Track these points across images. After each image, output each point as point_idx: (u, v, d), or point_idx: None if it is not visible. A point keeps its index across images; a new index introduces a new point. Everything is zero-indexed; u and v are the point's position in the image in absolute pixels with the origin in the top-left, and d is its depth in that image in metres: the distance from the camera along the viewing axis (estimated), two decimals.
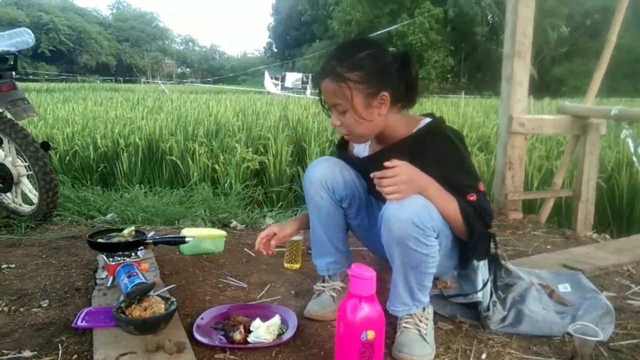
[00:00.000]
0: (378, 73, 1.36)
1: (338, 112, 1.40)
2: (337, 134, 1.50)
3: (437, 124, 1.47)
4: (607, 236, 3.00)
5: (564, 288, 1.81)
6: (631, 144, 3.00)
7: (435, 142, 1.40)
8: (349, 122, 1.40)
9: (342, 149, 1.69)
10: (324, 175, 1.54)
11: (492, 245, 1.52)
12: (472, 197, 1.36)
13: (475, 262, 1.78)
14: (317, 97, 1.48)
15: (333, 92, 1.37)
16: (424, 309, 1.45)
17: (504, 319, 1.58)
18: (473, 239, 1.38)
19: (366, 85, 1.35)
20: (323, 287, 1.67)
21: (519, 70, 3.09)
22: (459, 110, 12.12)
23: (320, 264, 1.67)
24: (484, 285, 1.63)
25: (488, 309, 1.58)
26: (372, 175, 1.32)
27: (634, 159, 3.18)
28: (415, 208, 1.30)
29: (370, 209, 1.62)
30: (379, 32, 26.45)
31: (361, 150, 1.63)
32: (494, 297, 1.63)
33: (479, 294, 1.61)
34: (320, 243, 1.64)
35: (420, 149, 1.40)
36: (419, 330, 1.40)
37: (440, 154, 1.39)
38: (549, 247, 2.59)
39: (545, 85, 25.24)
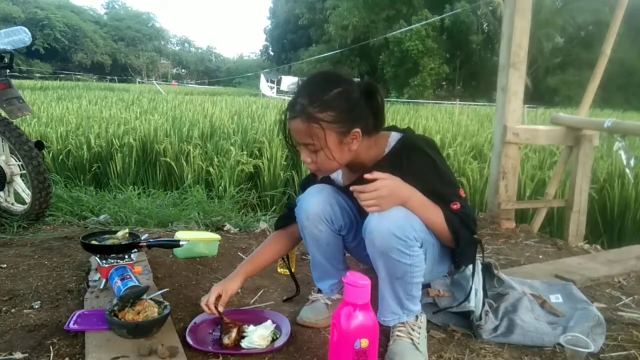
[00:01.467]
0: (349, 110, 1.34)
1: (309, 151, 1.38)
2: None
3: (408, 139, 1.46)
4: (599, 247, 3.03)
5: (555, 298, 1.83)
6: (623, 156, 3.02)
7: (410, 158, 1.40)
8: (320, 160, 1.38)
9: (312, 181, 1.64)
10: (321, 208, 1.50)
11: (478, 250, 1.52)
12: (456, 206, 1.37)
13: (468, 271, 1.79)
14: (283, 134, 1.45)
15: (305, 132, 1.34)
16: (416, 317, 1.46)
17: (496, 328, 1.59)
18: (459, 247, 1.40)
19: (339, 124, 1.33)
20: (319, 297, 1.67)
21: (514, 80, 3.12)
22: (453, 118, 12.19)
23: (324, 287, 1.67)
24: (476, 294, 1.64)
25: (480, 318, 1.59)
26: (351, 188, 1.33)
27: (626, 170, 3.22)
28: (396, 220, 1.30)
29: None
30: (375, 39, 26.54)
31: (334, 175, 1.60)
32: (486, 307, 1.64)
33: (471, 303, 1.62)
34: (322, 269, 1.64)
35: (397, 167, 1.38)
36: (412, 339, 1.41)
37: (418, 169, 1.39)
38: (540, 257, 2.61)
39: (538, 95, 25.42)
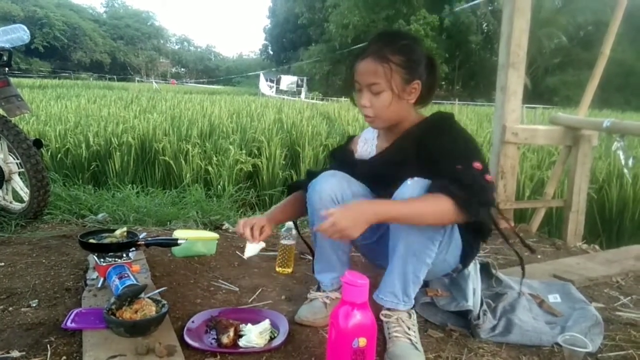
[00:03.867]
0: (416, 62, 1.44)
1: (371, 93, 1.44)
2: (331, 142, 1.50)
3: (444, 114, 1.54)
4: (597, 247, 3.03)
5: (553, 298, 1.83)
6: (622, 156, 3.02)
7: (436, 123, 1.48)
8: (379, 104, 1.44)
9: (340, 155, 1.69)
10: (334, 190, 1.52)
11: (499, 217, 1.47)
12: (459, 167, 1.33)
13: (466, 271, 1.80)
14: (346, 80, 1.54)
15: (374, 71, 1.41)
16: (409, 315, 1.47)
17: (494, 328, 1.59)
18: (469, 213, 1.29)
19: (406, 70, 1.42)
20: (317, 295, 1.67)
21: (513, 80, 3.11)
22: None
23: (325, 280, 1.66)
24: (475, 293, 1.64)
25: (478, 318, 1.59)
26: (315, 229, 1.36)
27: (625, 170, 3.22)
28: (426, 190, 1.33)
29: None
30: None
31: (366, 152, 1.63)
32: (484, 306, 1.64)
33: (470, 302, 1.62)
34: (326, 259, 1.63)
35: (423, 132, 1.46)
36: (410, 339, 1.41)
37: (440, 129, 1.45)
38: (539, 256, 2.61)
39: (537, 94, 25.44)
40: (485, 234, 1.52)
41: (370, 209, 1.27)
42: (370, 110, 1.46)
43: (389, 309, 1.46)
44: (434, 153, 1.39)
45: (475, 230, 1.47)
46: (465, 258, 1.56)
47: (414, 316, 1.49)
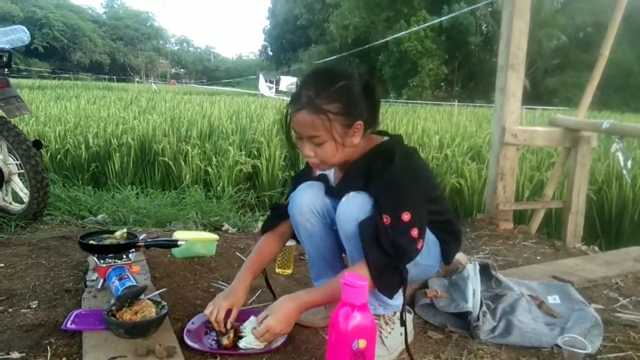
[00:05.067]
0: (353, 103, 1.35)
1: (313, 144, 1.37)
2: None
3: (389, 144, 1.45)
4: (596, 248, 3.04)
5: (553, 299, 1.83)
6: (621, 158, 3.03)
7: (377, 163, 1.39)
8: (323, 154, 1.38)
9: (304, 178, 1.64)
10: (312, 201, 1.51)
11: (402, 279, 1.36)
12: (386, 219, 1.30)
13: (465, 272, 1.80)
14: (283, 130, 1.45)
15: (311, 124, 1.33)
16: (395, 313, 1.47)
17: (493, 329, 1.59)
18: (372, 272, 1.31)
19: (344, 117, 1.34)
20: None
21: (512, 82, 3.12)
22: (452, 119, 12.20)
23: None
24: (474, 295, 1.64)
25: (478, 319, 1.59)
26: (254, 334, 1.39)
27: (624, 172, 3.22)
28: (360, 205, 1.34)
29: None
30: (378, 42, 26.48)
31: (328, 171, 1.59)
32: (484, 308, 1.65)
33: (469, 304, 1.62)
34: (319, 266, 1.63)
35: (369, 165, 1.40)
36: (380, 333, 1.43)
37: (377, 174, 1.37)
38: (538, 257, 2.61)
39: (537, 96, 25.46)
40: (458, 235, 1.55)
41: (295, 307, 1.36)
42: (315, 159, 1.41)
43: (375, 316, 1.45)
44: (371, 190, 1.36)
45: (448, 232, 1.49)
46: (447, 255, 1.54)
47: (399, 315, 1.47)
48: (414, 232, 1.32)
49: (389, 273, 1.33)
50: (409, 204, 1.32)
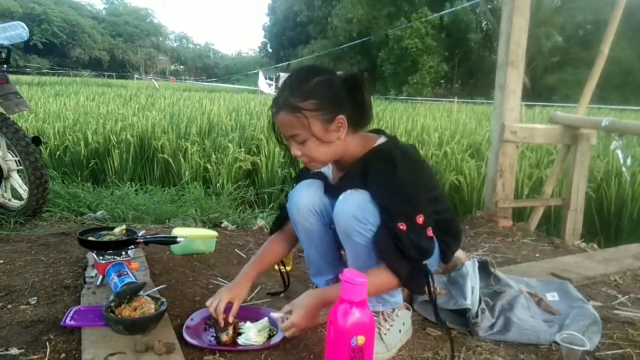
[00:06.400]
0: (331, 99, 1.34)
1: (297, 143, 1.38)
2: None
3: (385, 146, 1.44)
4: (595, 245, 3.04)
5: (551, 297, 1.83)
6: (620, 155, 3.03)
7: (374, 167, 1.38)
8: (310, 151, 1.38)
9: (305, 176, 1.63)
10: (311, 200, 1.51)
11: (430, 281, 1.42)
12: (402, 227, 1.30)
13: (464, 269, 1.80)
14: (273, 133, 1.47)
15: (290, 123, 1.35)
16: (394, 309, 1.47)
17: (492, 326, 1.60)
18: (403, 280, 1.34)
19: (322, 112, 1.33)
20: None
21: (512, 79, 3.12)
22: (451, 116, 12.20)
23: (320, 283, 1.67)
24: (473, 292, 1.64)
25: (476, 316, 1.60)
26: (282, 329, 1.39)
27: (623, 169, 3.23)
28: (358, 202, 1.34)
29: None
30: (374, 38, 26.41)
31: (325, 170, 1.59)
32: (483, 304, 1.65)
33: (468, 301, 1.62)
34: (317, 264, 1.64)
35: (367, 168, 1.39)
36: (379, 329, 1.44)
37: (377, 179, 1.36)
38: (537, 255, 2.62)
39: (536, 93, 25.43)
40: (458, 234, 1.55)
41: (317, 303, 1.38)
42: (304, 158, 1.42)
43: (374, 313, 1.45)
44: (377, 197, 1.35)
45: (447, 231, 1.49)
46: (446, 254, 1.54)
47: (399, 312, 1.49)
48: (430, 232, 1.36)
49: (416, 275, 1.37)
50: (419, 206, 1.34)
